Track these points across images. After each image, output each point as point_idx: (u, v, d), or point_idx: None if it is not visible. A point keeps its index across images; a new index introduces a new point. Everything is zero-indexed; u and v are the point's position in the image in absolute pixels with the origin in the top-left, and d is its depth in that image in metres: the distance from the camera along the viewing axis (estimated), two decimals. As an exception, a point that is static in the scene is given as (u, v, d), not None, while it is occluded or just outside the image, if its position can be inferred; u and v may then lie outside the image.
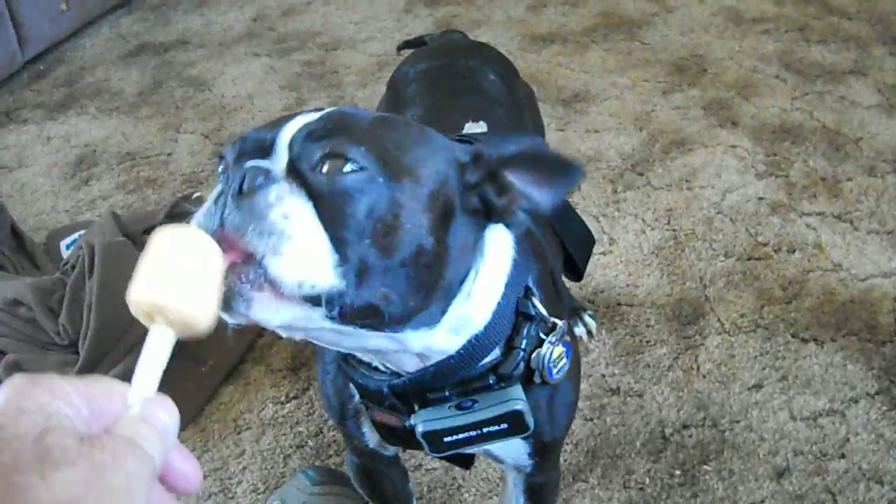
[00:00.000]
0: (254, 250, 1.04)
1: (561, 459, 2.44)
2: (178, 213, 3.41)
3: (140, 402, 0.78)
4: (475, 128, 1.86)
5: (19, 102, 4.60)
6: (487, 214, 1.25)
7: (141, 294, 0.91)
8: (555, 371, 1.41)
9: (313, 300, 1.08)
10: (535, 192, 1.24)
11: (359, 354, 1.38)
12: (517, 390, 1.37)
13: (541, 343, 1.40)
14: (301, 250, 1.06)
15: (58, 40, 5.08)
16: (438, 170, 1.19)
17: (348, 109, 1.21)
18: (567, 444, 2.50)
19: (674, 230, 3.26)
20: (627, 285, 3.03)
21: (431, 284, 1.19)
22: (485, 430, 1.38)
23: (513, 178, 1.23)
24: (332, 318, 1.10)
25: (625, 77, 4.33)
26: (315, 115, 1.18)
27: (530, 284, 1.42)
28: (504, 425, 1.38)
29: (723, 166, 3.60)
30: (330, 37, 5.03)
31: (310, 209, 1.09)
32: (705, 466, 2.43)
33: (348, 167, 1.10)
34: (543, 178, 1.23)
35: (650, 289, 3.01)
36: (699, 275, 3.04)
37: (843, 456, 2.43)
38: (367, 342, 1.24)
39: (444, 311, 1.24)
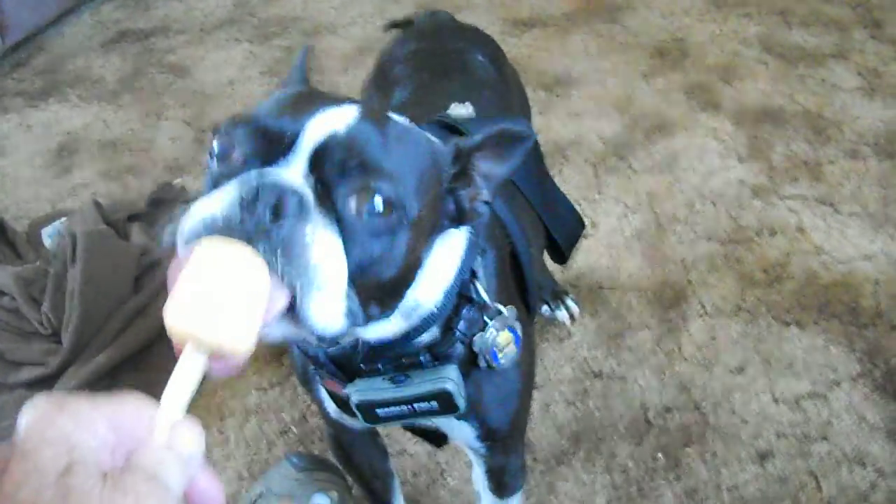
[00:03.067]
0: (288, 285, 1.02)
1: (544, 443, 2.46)
2: (159, 200, 3.42)
3: (167, 427, 0.77)
4: (460, 109, 1.86)
5: (0, 91, 4.58)
6: (460, 219, 1.30)
7: (178, 320, 0.87)
8: (500, 355, 1.43)
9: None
10: (496, 169, 1.29)
11: None
12: (450, 370, 1.39)
13: (484, 327, 1.41)
14: (330, 298, 1.06)
15: (38, 28, 5.06)
16: (437, 194, 1.23)
17: (369, 125, 1.16)
18: (550, 428, 2.51)
19: (655, 214, 3.26)
20: (609, 269, 3.03)
21: (403, 288, 1.24)
22: (416, 406, 1.41)
23: (480, 161, 1.28)
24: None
25: (606, 61, 4.33)
26: (339, 123, 1.14)
27: (476, 268, 1.43)
28: (434, 403, 1.40)
29: (704, 150, 3.61)
30: (311, 22, 5.01)
31: (341, 250, 1.08)
32: (688, 449, 2.44)
33: (378, 204, 1.09)
34: (502, 152, 1.29)
35: (632, 272, 3.01)
36: (681, 258, 3.05)
37: (825, 438, 2.44)
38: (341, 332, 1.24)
39: (399, 304, 1.27)
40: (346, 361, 1.39)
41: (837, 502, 2.31)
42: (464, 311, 1.39)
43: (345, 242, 1.08)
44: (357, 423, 1.74)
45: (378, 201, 1.09)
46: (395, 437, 2.47)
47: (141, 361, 2.77)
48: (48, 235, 3.32)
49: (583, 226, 2.18)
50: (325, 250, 1.05)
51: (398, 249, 1.14)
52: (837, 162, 3.49)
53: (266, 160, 1.11)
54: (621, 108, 3.92)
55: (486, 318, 1.42)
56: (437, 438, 1.80)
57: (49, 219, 3.44)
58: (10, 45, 4.83)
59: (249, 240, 1.00)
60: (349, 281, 1.09)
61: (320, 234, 1.06)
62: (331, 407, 1.67)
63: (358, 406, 1.42)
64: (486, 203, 1.30)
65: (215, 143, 1.16)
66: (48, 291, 2.87)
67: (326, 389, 1.58)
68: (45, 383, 2.74)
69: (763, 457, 2.41)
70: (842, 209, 3.23)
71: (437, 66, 2.20)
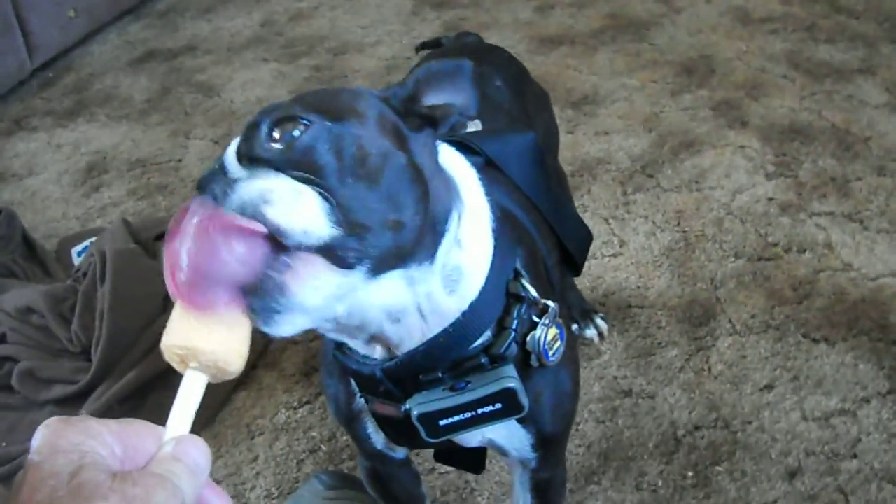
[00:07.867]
0: (251, 210, 1.06)
1: (573, 462, 2.45)
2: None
3: (173, 440, 0.81)
4: (469, 126, 1.88)
5: (29, 110, 4.62)
6: (433, 124, 1.31)
7: (174, 338, 0.94)
8: (551, 353, 1.43)
9: (340, 261, 1.09)
10: (455, 98, 1.33)
11: (357, 344, 1.39)
12: (510, 369, 1.38)
13: (534, 325, 1.42)
14: (288, 198, 1.08)
15: (66, 48, 5.10)
16: (371, 103, 1.25)
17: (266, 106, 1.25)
18: (579, 446, 2.51)
19: (684, 231, 3.26)
20: (638, 287, 3.03)
21: (424, 197, 1.22)
22: (479, 410, 1.39)
23: (428, 100, 1.32)
24: (369, 273, 1.14)
25: (633, 78, 4.34)
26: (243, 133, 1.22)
27: (518, 268, 1.44)
28: (498, 405, 1.38)
29: (732, 167, 3.60)
30: (338, 41, 5.04)
31: (280, 175, 1.11)
32: (717, 468, 2.43)
33: (296, 128, 1.14)
34: (450, 87, 1.33)
35: (661, 290, 3.01)
36: (710, 276, 3.05)
37: (854, 456, 2.43)
38: (395, 298, 1.24)
39: (437, 244, 1.26)
40: (404, 374, 1.38)
41: (868, 520, 2.30)
42: (514, 309, 1.39)
43: (290, 173, 1.11)
44: (401, 451, 1.74)
45: (291, 124, 1.14)
46: (424, 455, 2.47)
47: (169, 379, 2.77)
48: (78, 254, 3.33)
49: (591, 237, 2.18)
50: (251, 185, 1.09)
51: (348, 148, 1.14)
52: (865, 178, 3.48)
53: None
54: (649, 126, 3.92)
55: (534, 316, 1.42)
56: (476, 463, 1.80)
57: (78, 238, 3.47)
58: (38, 64, 4.87)
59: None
60: (331, 197, 1.10)
61: (254, 178, 1.11)
62: (378, 440, 1.67)
63: (419, 419, 1.40)
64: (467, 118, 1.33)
65: None
66: (77, 310, 2.88)
67: (376, 417, 1.57)
68: (74, 401, 2.75)
69: (792, 474, 2.40)
70: (870, 225, 3.23)
71: None
